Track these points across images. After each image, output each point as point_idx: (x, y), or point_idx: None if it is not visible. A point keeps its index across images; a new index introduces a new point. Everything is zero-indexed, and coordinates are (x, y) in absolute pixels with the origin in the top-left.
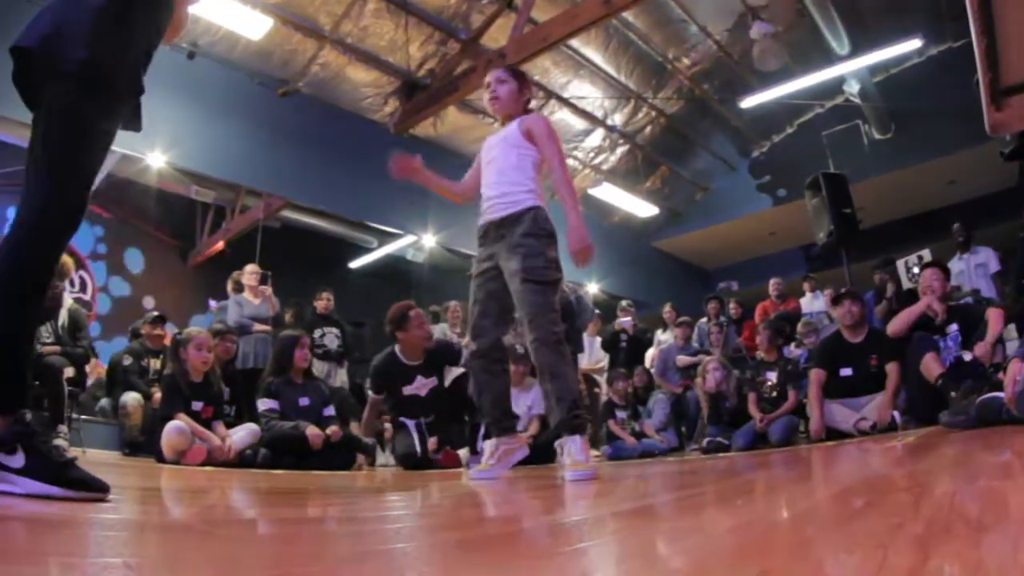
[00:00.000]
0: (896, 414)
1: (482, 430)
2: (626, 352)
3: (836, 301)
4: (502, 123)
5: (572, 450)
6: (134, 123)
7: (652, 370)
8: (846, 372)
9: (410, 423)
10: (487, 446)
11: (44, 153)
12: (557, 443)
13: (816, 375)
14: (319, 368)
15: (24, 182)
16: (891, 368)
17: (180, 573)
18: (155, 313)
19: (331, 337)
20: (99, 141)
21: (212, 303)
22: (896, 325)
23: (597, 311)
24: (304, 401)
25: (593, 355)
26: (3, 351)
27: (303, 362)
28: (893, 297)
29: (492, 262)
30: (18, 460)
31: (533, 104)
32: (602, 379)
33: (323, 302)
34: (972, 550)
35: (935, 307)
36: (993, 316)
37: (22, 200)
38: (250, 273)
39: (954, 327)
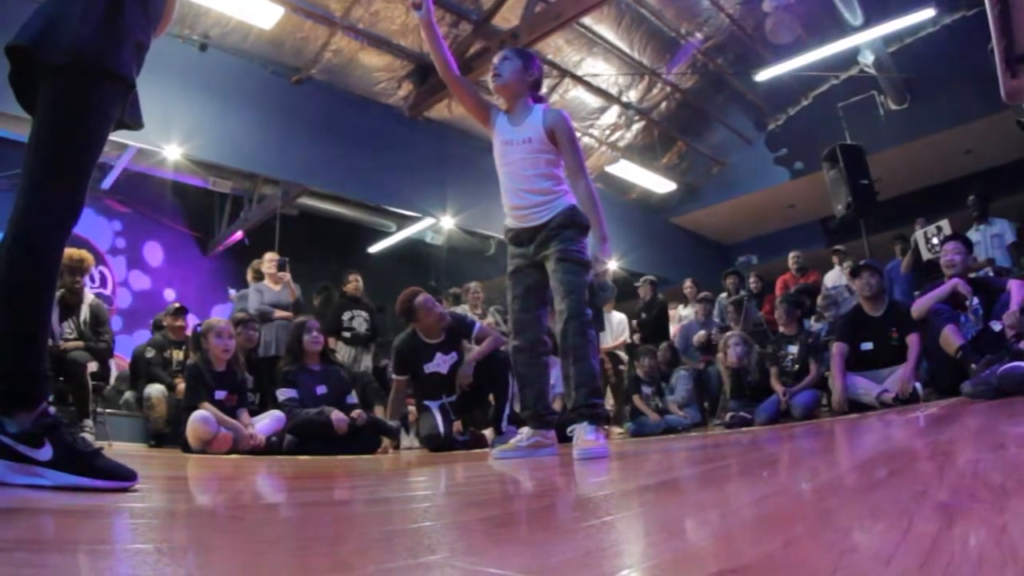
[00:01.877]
0: (918, 385)
1: (507, 411)
2: (647, 324)
3: (855, 273)
4: (508, 104)
5: (583, 432)
6: (135, 120)
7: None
8: (867, 346)
9: (434, 405)
10: (523, 432)
11: (40, 145)
12: (570, 428)
13: (838, 348)
14: (345, 353)
15: (21, 176)
16: (911, 340)
17: (210, 557)
18: (176, 305)
19: (360, 320)
20: (96, 132)
21: (232, 292)
22: (920, 306)
23: (615, 287)
24: (321, 389)
25: (613, 332)
26: (20, 346)
27: (314, 346)
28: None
29: (527, 259)
30: (45, 453)
31: (544, 89)
32: (622, 355)
33: (352, 284)
34: (997, 515)
35: (962, 290)
36: (1016, 287)
37: (20, 194)
38: (268, 261)
39: (976, 300)
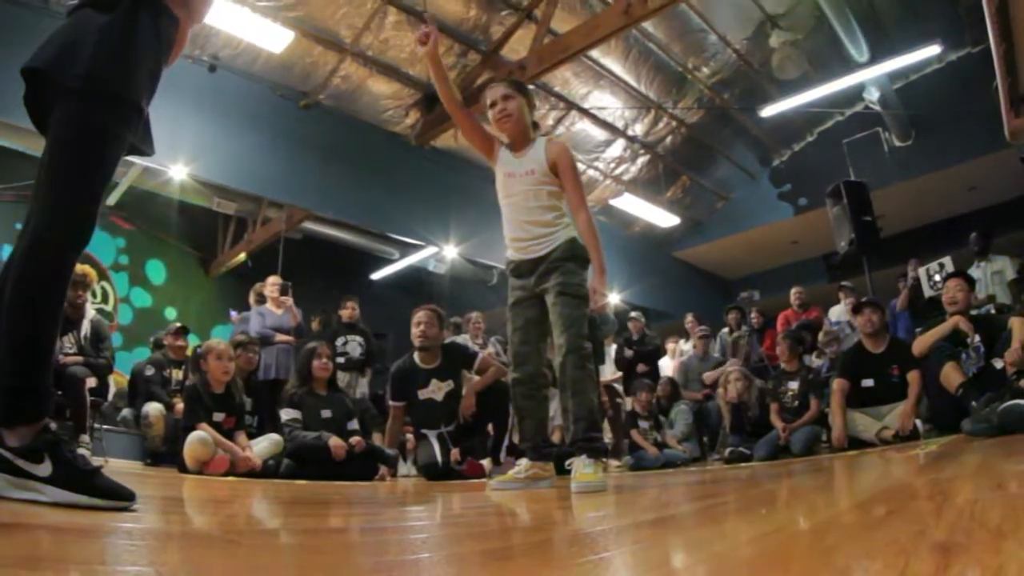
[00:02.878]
0: (919, 423)
1: (506, 442)
2: (635, 359)
3: (857, 310)
4: (514, 145)
5: (581, 465)
6: (146, 146)
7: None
8: (868, 383)
9: (431, 434)
10: (521, 463)
11: (53, 167)
12: (568, 462)
13: (839, 385)
14: (341, 378)
15: (33, 196)
16: (912, 377)
17: None
18: (178, 324)
19: (354, 345)
20: (108, 154)
21: (233, 314)
22: (921, 345)
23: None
24: (326, 413)
25: (612, 365)
26: (26, 361)
27: (323, 372)
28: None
29: (527, 291)
30: (45, 469)
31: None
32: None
33: (348, 311)
34: (993, 556)
35: (964, 327)
36: (1017, 324)
37: (32, 213)
38: (272, 284)
39: (977, 338)
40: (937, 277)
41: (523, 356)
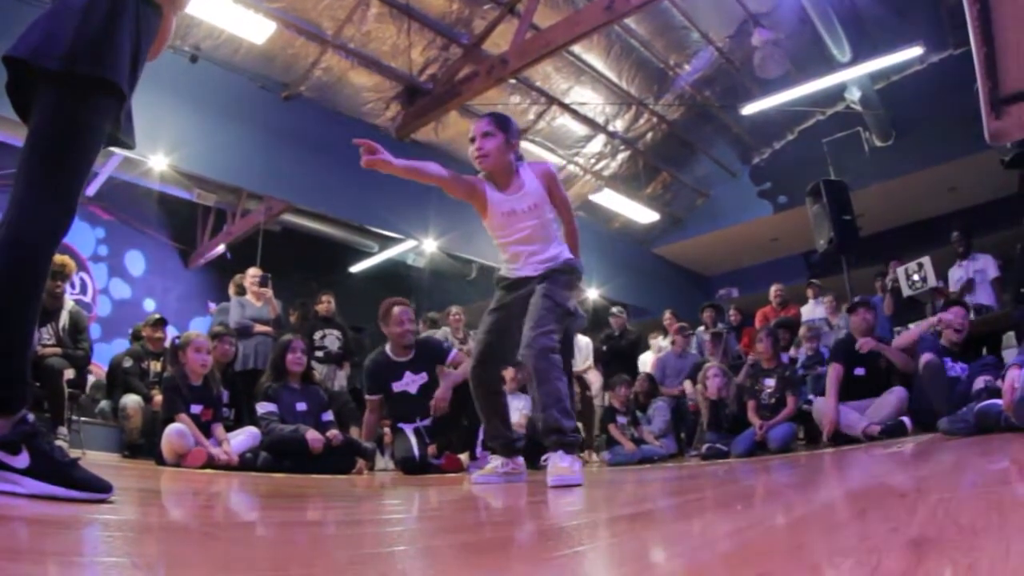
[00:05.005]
0: (907, 420)
1: (480, 436)
2: (614, 354)
3: (852, 310)
4: (499, 182)
5: (557, 459)
6: (128, 138)
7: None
8: (860, 372)
9: (407, 427)
10: (494, 461)
11: (33, 154)
12: (544, 457)
13: (834, 370)
14: (318, 371)
15: (13, 185)
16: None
17: (182, 573)
18: (156, 316)
19: (332, 339)
20: (89, 142)
21: (212, 305)
22: (906, 338)
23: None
24: (301, 406)
25: (581, 355)
26: (3, 352)
27: (295, 366)
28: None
29: (513, 302)
30: (22, 460)
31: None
32: (591, 379)
33: (324, 305)
34: (965, 554)
35: (945, 320)
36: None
37: (10, 203)
38: (251, 276)
39: (958, 367)
40: (916, 276)
41: (487, 355)
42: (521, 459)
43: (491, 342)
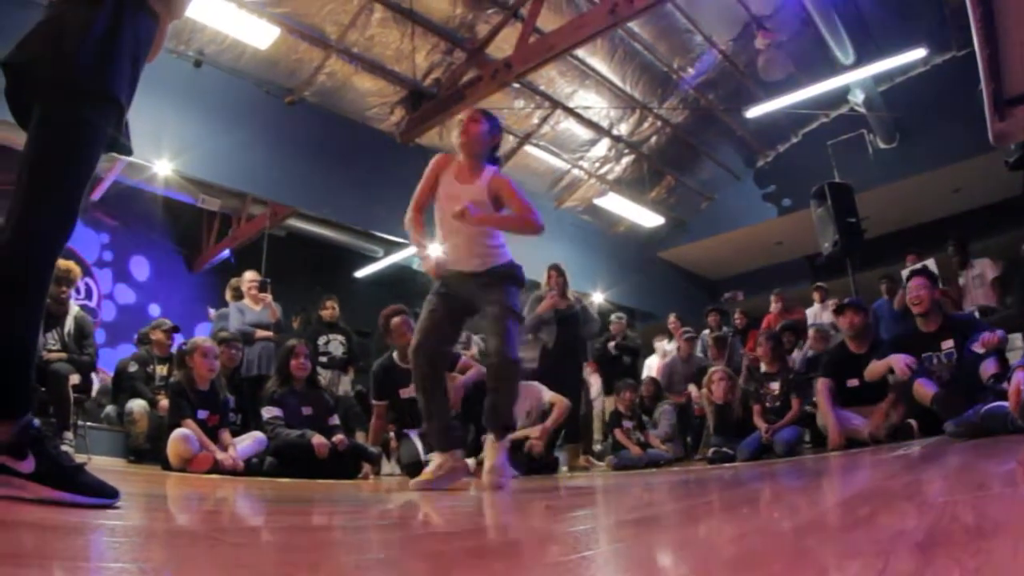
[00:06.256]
0: (913, 422)
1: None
2: (614, 359)
3: (838, 311)
4: (467, 162)
5: (495, 455)
6: (125, 145)
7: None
8: (853, 383)
9: (412, 433)
10: (436, 458)
11: (35, 163)
12: (483, 437)
13: (823, 384)
14: (323, 376)
15: (14, 192)
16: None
17: None
18: (169, 323)
19: (336, 344)
20: (88, 151)
21: (211, 311)
22: (872, 373)
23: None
24: (307, 411)
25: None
26: (7, 357)
27: (300, 371)
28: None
29: (456, 289)
30: (28, 465)
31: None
32: (590, 383)
33: (328, 310)
34: (971, 557)
35: (900, 367)
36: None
37: (12, 209)
38: (249, 280)
39: (950, 343)
40: None
41: (430, 333)
42: (459, 451)
43: (434, 322)
